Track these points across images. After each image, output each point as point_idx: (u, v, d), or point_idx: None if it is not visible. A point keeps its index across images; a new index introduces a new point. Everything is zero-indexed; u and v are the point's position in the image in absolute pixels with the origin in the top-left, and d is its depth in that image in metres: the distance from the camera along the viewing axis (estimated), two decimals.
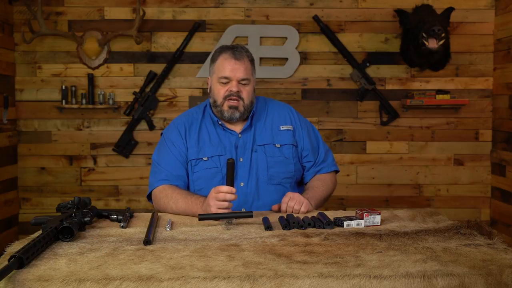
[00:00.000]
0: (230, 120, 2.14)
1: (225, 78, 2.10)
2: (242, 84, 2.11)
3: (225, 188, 1.82)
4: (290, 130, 2.22)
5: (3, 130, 3.58)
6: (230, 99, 2.10)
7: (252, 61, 2.16)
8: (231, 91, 2.10)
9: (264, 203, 2.10)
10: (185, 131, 2.17)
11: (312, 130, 2.32)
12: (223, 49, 2.15)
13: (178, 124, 2.21)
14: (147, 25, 3.77)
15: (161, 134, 2.26)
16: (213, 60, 2.16)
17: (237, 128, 2.18)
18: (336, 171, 2.35)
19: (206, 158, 2.12)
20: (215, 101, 2.14)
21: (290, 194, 2.01)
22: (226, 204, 1.82)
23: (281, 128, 2.21)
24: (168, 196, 2.04)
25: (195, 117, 2.22)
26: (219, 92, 2.12)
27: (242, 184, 2.10)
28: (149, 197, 2.18)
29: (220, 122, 2.16)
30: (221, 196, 1.82)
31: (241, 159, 2.13)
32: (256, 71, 2.25)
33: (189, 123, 2.19)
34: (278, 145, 2.18)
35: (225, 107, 2.12)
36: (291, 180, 2.20)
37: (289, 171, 2.18)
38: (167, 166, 2.13)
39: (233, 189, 1.83)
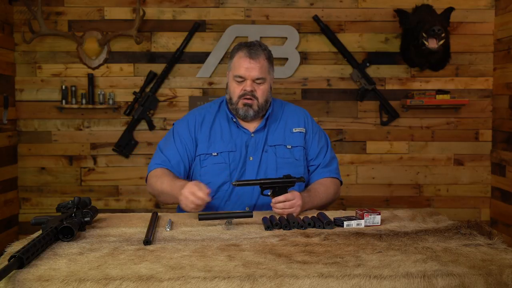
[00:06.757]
0: (245, 118, 2.16)
1: (240, 77, 2.12)
2: (256, 83, 2.13)
3: (201, 194, 1.83)
4: (302, 132, 2.23)
5: (3, 130, 3.58)
6: (245, 98, 2.12)
7: (269, 58, 2.16)
8: (245, 90, 2.12)
9: (269, 203, 2.07)
10: (195, 125, 2.20)
11: (324, 137, 2.32)
12: (240, 47, 2.17)
13: (190, 119, 2.24)
14: (147, 25, 3.77)
15: (173, 124, 2.31)
16: (231, 57, 2.19)
17: (251, 127, 2.19)
18: (340, 182, 2.30)
19: (215, 154, 2.15)
20: (230, 99, 2.17)
21: (290, 197, 1.89)
22: (195, 202, 1.83)
23: (294, 131, 2.22)
24: (158, 176, 2.09)
25: (209, 111, 2.24)
26: (235, 90, 2.15)
27: None
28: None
29: (234, 120, 2.18)
30: (195, 191, 1.83)
31: (251, 158, 2.15)
32: None
33: (201, 118, 2.22)
34: (289, 147, 2.18)
35: (240, 105, 2.14)
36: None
37: (298, 173, 2.16)
38: (167, 156, 2.18)
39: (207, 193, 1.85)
